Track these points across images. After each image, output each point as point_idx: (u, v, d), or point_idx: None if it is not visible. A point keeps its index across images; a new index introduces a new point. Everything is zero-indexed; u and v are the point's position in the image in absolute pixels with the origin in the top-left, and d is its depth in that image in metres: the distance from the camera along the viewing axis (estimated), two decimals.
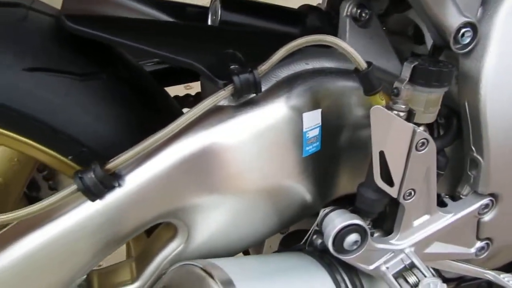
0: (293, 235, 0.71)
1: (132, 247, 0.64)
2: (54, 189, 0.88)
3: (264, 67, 0.50)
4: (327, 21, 0.65)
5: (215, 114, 0.51)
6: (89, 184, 0.45)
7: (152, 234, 0.57)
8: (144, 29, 0.59)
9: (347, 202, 0.62)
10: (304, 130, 0.54)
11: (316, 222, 0.61)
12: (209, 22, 0.65)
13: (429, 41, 0.61)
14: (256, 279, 0.49)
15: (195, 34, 0.60)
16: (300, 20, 0.66)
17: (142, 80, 0.63)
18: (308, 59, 0.60)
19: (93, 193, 0.45)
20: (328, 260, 0.59)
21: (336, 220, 0.57)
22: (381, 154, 0.54)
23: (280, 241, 0.73)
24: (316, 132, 0.57)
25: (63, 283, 0.51)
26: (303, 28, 0.65)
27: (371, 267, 0.60)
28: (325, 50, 0.61)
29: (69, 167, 0.56)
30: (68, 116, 0.52)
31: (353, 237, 0.57)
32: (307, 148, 0.56)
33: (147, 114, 0.61)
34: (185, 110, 0.56)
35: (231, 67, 0.51)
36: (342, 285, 0.57)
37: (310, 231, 0.62)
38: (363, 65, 0.50)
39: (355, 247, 0.58)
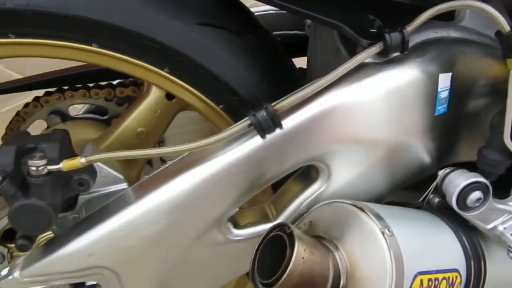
0: None
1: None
2: None
3: (410, 27, 0.56)
4: None
5: (362, 69, 0.56)
6: (261, 120, 0.51)
7: (290, 178, 0.62)
8: None
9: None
10: (439, 90, 0.59)
11: (435, 182, 0.65)
12: None
13: None
14: (399, 217, 0.54)
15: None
16: None
17: (277, 45, 0.70)
18: (436, 29, 0.64)
19: (264, 129, 0.51)
20: (448, 218, 0.63)
21: (460, 178, 0.61)
22: None
23: None
24: (446, 94, 0.61)
25: (219, 215, 0.57)
26: None
27: (489, 226, 0.63)
28: (449, 22, 0.66)
29: (217, 116, 0.63)
30: (227, 67, 0.59)
31: (476, 194, 0.61)
32: (439, 108, 0.61)
33: (281, 73, 0.67)
34: None
35: (379, 26, 0.56)
36: (463, 240, 0.61)
37: (429, 190, 0.66)
38: (507, 28, 0.54)
39: (477, 204, 0.61)
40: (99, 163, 0.60)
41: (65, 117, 0.88)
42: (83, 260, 0.56)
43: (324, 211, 0.56)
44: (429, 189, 0.66)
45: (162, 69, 0.58)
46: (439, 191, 0.65)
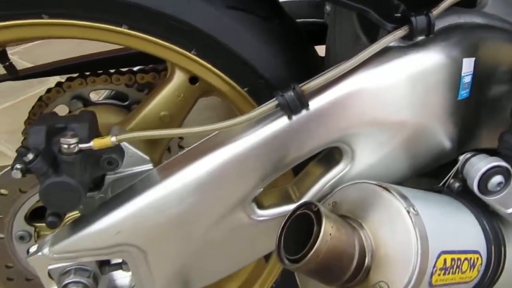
0: None
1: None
2: None
3: (436, 11, 0.56)
4: None
5: (387, 52, 0.57)
6: (288, 101, 0.52)
7: (311, 162, 0.63)
8: None
9: None
10: (462, 74, 0.60)
11: (456, 166, 0.66)
12: None
13: None
14: (423, 199, 0.55)
15: None
16: None
17: (301, 32, 0.70)
18: (459, 14, 0.65)
19: (291, 109, 0.52)
20: (469, 202, 0.64)
21: (482, 162, 0.62)
22: None
23: None
24: (469, 79, 0.62)
25: (244, 195, 0.58)
26: None
27: (510, 210, 0.64)
28: (471, 9, 0.66)
29: (242, 99, 0.64)
30: (254, 50, 0.60)
31: (497, 178, 0.62)
32: (462, 92, 0.61)
33: (305, 58, 0.68)
34: None
35: (403, 11, 0.57)
36: (484, 224, 0.62)
37: (449, 175, 0.67)
38: None
39: (498, 188, 0.62)
40: (126, 144, 0.61)
41: (86, 102, 0.89)
42: (112, 237, 0.58)
43: (348, 191, 0.57)
44: (450, 173, 0.67)
45: (190, 51, 0.59)
46: (459, 176, 0.66)
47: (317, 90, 0.54)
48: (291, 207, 0.61)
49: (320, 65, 0.75)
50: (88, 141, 0.55)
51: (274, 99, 0.53)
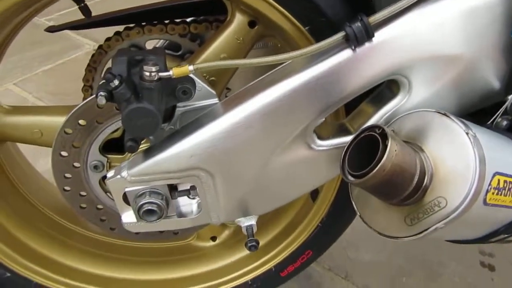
0: None
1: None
2: None
3: None
4: None
5: None
6: (356, 31, 0.56)
7: (364, 100, 0.67)
8: None
9: None
10: None
11: (505, 105, 0.69)
12: None
13: None
14: (477, 127, 0.59)
15: None
16: None
17: None
18: None
19: (358, 40, 0.56)
20: None
21: None
22: None
23: None
24: None
25: (307, 124, 0.62)
26: None
27: None
28: None
29: (302, 38, 0.68)
30: None
31: None
32: None
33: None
34: None
35: None
36: None
37: (498, 113, 0.70)
38: None
39: None
40: (195, 78, 0.66)
41: None
42: (185, 161, 0.63)
43: (406, 119, 0.61)
44: (499, 112, 0.71)
45: None
46: (508, 114, 0.69)
47: (381, 22, 0.58)
48: (348, 138, 0.65)
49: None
50: (167, 70, 0.60)
51: (342, 31, 0.57)
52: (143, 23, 0.92)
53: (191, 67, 0.59)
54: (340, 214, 0.89)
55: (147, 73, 0.59)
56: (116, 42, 0.93)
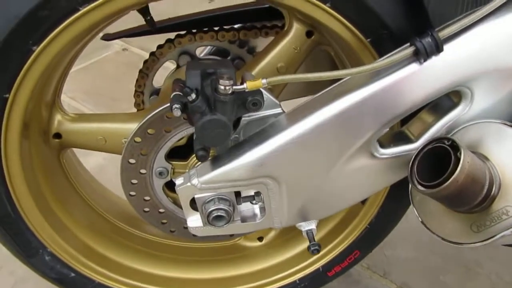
0: None
1: None
2: None
3: None
4: None
5: None
6: (426, 46, 0.58)
7: (427, 106, 0.69)
8: None
9: None
10: None
11: None
12: None
13: None
14: None
15: None
16: None
17: None
18: None
19: (427, 54, 0.58)
20: None
21: None
22: None
23: None
24: None
25: (373, 133, 0.65)
26: None
27: None
28: None
29: (364, 49, 0.70)
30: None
31: None
32: None
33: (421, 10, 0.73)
34: None
35: None
36: None
37: None
38: None
39: None
40: (261, 89, 0.69)
41: (193, 58, 0.97)
42: (256, 169, 0.66)
43: (470, 129, 0.63)
44: None
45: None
46: None
47: (452, 35, 0.60)
48: (410, 146, 0.68)
49: None
50: (239, 84, 0.63)
51: (408, 44, 0.59)
52: (194, 30, 0.95)
53: (264, 81, 0.62)
54: (387, 217, 0.91)
55: (222, 87, 0.62)
56: (169, 49, 0.96)
